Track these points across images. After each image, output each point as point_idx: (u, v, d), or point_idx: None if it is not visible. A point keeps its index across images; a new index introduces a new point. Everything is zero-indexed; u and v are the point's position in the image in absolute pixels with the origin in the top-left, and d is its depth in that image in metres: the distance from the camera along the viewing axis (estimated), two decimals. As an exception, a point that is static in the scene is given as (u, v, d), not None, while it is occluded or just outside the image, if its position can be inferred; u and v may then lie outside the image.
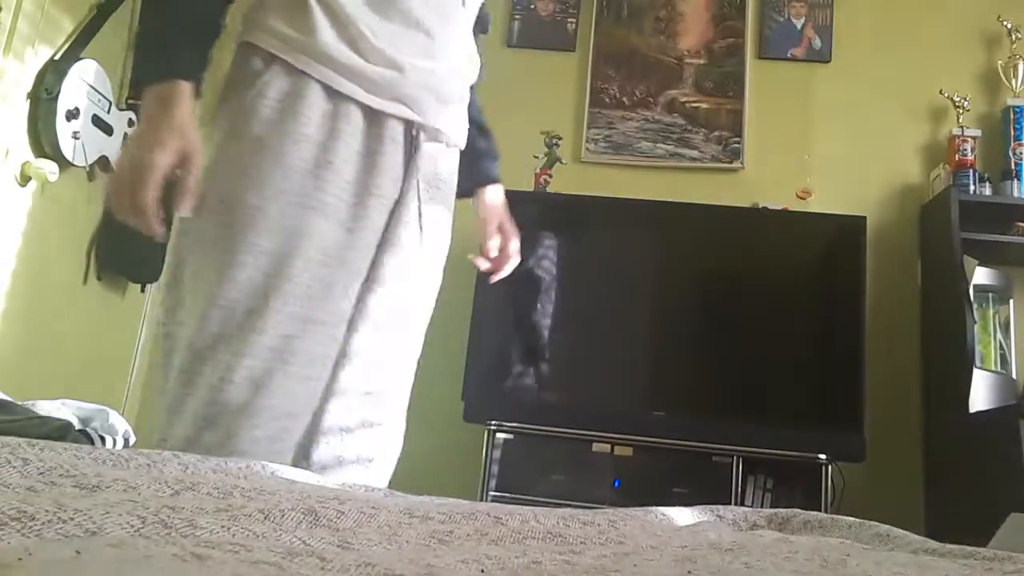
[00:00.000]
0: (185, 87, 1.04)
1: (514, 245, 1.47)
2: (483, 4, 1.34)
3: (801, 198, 2.99)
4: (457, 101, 1.28)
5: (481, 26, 1.37)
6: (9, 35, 2.31)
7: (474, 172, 1.43)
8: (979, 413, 2.50)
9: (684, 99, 3.21)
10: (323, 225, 1.09)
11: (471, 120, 1.35)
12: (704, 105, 3.19)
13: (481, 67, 1.38)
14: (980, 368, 2.58)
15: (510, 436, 2.57)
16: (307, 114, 1.10)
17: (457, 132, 1.29)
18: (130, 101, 2.79)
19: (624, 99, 3.23)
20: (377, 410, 1.19)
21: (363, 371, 1.16)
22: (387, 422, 1.21)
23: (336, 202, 1.10)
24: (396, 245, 1.18)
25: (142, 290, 3.01)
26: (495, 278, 1.48)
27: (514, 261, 1.48)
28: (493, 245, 1.45)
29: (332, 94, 1.12)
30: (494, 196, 1.48)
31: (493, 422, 2.55)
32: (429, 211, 1.22)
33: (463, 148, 1.33)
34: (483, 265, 1.47)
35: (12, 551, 0.41)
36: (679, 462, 2.51)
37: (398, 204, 1.18)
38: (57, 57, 2.45)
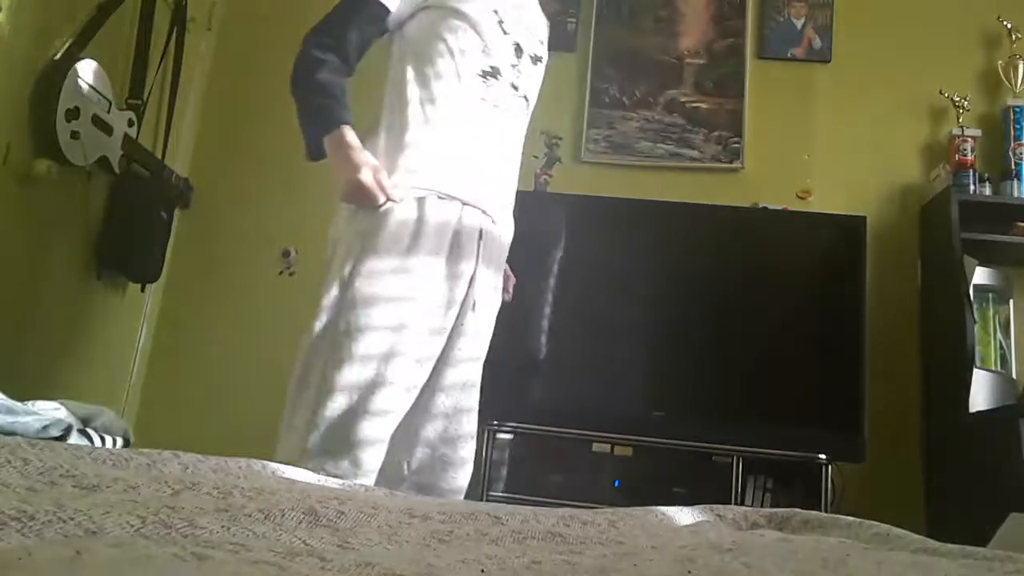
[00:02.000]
0: (350, 129, 1.62)
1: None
2: None
3: (801, 198, 2.99)
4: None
5: None
6: (9, 35, 2.31)
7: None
8: (979, 413, 2.50)
9: (684, 99, 3.21)
10: None
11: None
12: (704, 105, 3.19)
13: None
14: (980, 368, 2.58)
15: (510, 436, 2.57)
16: None
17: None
18: (130, 101, 2.78)
19: (624, 99, 3.23)
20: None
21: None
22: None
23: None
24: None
25: (142, 290, 3.01)
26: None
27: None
28: None
29: None
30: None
31: (493, 422, 2.55)
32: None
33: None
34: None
35: (12, 551, 0.41)
36: (679, 462, 2.51)
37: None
38: (57, 57, 2.45)
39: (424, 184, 1.65)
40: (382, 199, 1.59)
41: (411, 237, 1.62)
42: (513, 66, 1.78)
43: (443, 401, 1.70)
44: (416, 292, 1.62)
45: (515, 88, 1.78)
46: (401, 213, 1.62)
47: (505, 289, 1.91)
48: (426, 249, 1.63)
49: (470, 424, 1.75)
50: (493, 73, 1.74)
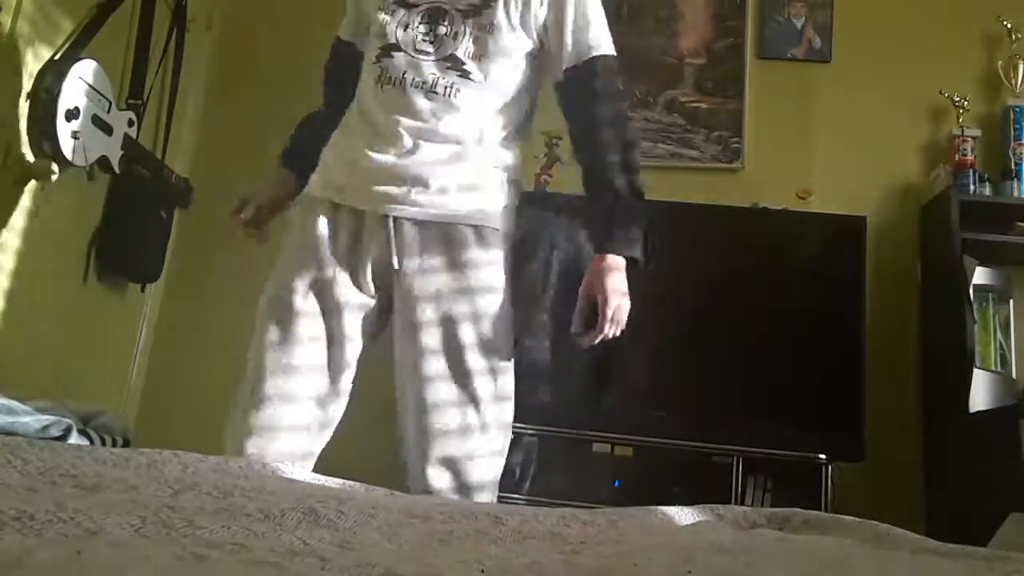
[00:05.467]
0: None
1: (608, 312, 1.58)
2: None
3: (801, 198, 2.99)
4: None
5: None
6: (9, 35, 2.31)
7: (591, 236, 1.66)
8: (979, 413, 2.50)
9: (684, 99, 3.21)
10: None
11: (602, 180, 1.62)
12: (704, 105, 3.19)
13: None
14: (980, 368, 2.58)
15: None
16: None
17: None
18: (130, 101, 2.78)
19: (624, 99, 3.22)
20: None
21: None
22: None
23: None
24: None
25: (142, 290, 3.01)
26: (588, 342, 1.59)
27: (609, 327, 1.59)
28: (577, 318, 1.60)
29: None
30: (599, 266, 1.62)
31: (493, 422, 2.55)
32: None
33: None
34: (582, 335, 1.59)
35: (12, 551, 0.41)
36: (679, 462, 2.51)
37: None
38: (57, 57, 2.45)
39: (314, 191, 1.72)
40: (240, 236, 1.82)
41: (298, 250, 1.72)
42: (425, 34, 1.56)
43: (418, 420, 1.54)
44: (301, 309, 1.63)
45: (427, 53, 1.55)
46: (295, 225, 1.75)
47: (609, 322, 1.58)
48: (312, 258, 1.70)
49: (444, 448, 1.48)
50: (387, 51, 1.58)
